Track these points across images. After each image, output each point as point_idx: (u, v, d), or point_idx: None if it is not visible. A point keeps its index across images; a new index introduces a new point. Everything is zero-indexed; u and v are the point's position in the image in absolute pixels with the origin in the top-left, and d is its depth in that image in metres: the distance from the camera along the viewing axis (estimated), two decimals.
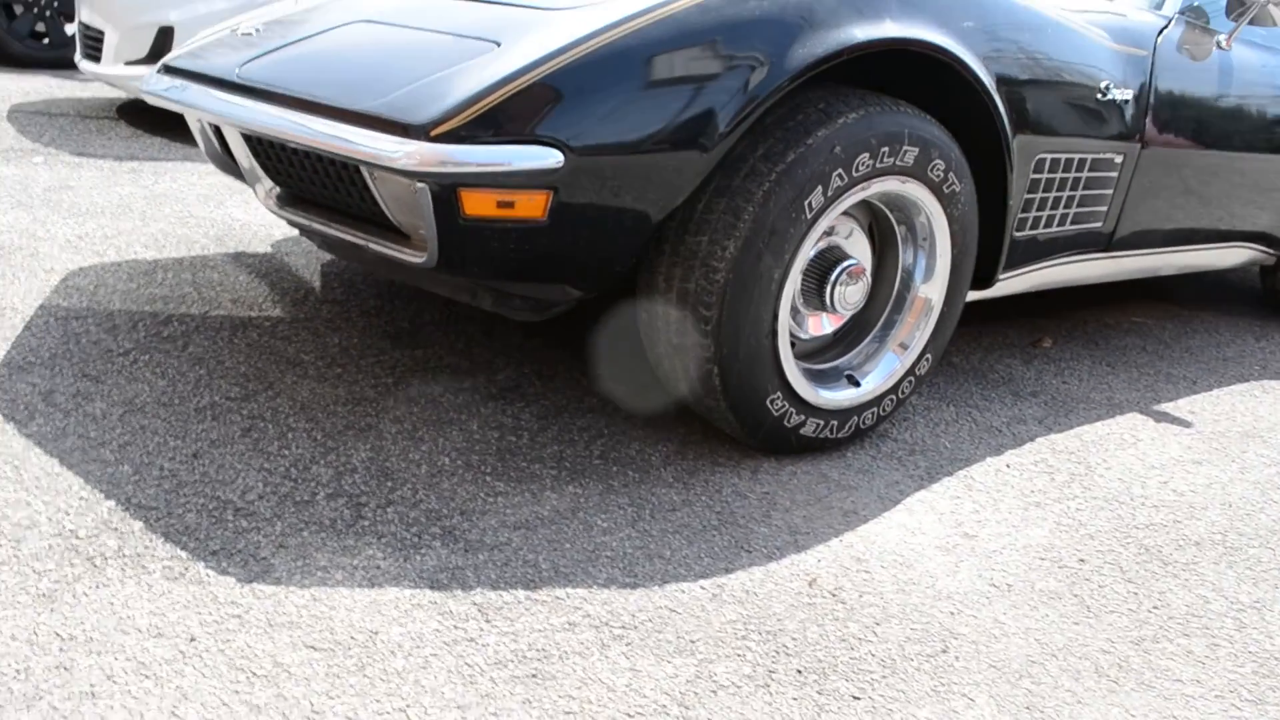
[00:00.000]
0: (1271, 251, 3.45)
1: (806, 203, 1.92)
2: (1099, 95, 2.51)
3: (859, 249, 2.19)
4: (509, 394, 2.27)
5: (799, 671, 1.54)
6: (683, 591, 1.69)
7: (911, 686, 1.54)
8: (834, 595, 1.73)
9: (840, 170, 1.94)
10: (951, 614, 1.72)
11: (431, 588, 1.61)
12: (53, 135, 4.16)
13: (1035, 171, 2.42)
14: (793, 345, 2.15)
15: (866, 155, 1.97)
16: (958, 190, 2.16)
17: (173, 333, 2.35)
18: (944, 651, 1.62)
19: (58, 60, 5.73)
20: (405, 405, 2.15)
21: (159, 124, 4.53)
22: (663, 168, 1.81)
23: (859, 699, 1.50)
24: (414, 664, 1.46)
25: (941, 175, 2.11)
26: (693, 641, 1.58)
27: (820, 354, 2.25)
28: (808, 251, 2.01)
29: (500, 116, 1.70)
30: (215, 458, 1.87)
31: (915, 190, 2.11)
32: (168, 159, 3.94)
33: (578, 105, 1.73)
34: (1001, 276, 2.49)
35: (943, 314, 2.27)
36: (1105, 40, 2.59)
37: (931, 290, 2.24)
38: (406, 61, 1.88)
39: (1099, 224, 2.73)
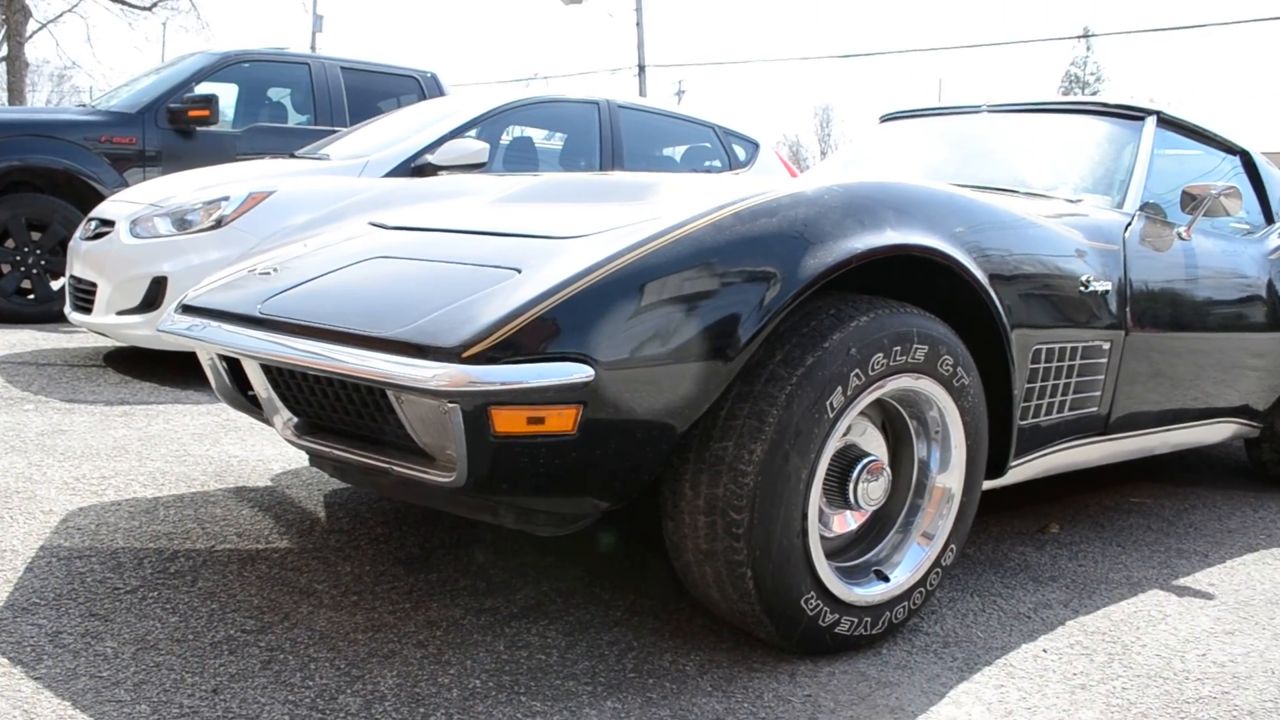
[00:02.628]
0: (1254, 424, 3.53)
1: (828, 403, 1.95)
2: (1081, 288, 2.62)
3: (875, 446, 2.21)
4: (531, 613, 2.22)
5: None
6: None
7: None
8: None
9: (857, 370, 1.99)
10: None
11: None
12: (42, 383, 4.17)
13: (1033, 362, 2.49)
14: (821, 544, 2.13)
15: (880, 355, 2.02)
16: (967, 383, 2.21)
17: (180, 568, 2.30)
18: None
19: (42, 315, 5.81)
20: (427, 629, 2.09)
21: (147, 369, 4.56)
22: (687, 378, 1.84)
23: None
24: None
25: (951, 370, 2.16)
26: None
27: (846, 551, 2.23)
28: (830, 451, 2.02)
29: (529, 337, 1.74)
30: (237, 692, 1.79)
31: (928, 386, 2.15)
32: (159, 401, 3.94)
33: (603, 323, 1.78)
34: (1012, 464, 2.52)
35: (963, 503, 2.28)
36: (1079, 238, 2.72)
37: (950, 480, 2.25)
38: (429, 290, 1.93)
39: (1095, 408, 2.79)
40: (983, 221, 2.38)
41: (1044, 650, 2.23)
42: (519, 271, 1.91)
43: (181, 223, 4.03)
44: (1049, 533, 3.07)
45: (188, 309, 2.19)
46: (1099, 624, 2.39)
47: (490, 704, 1.83)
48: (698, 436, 1.95)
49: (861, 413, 2.18)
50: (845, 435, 2.14)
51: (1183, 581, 2.72)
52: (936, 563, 2.26)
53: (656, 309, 1.82)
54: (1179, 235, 3.09)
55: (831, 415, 1.97)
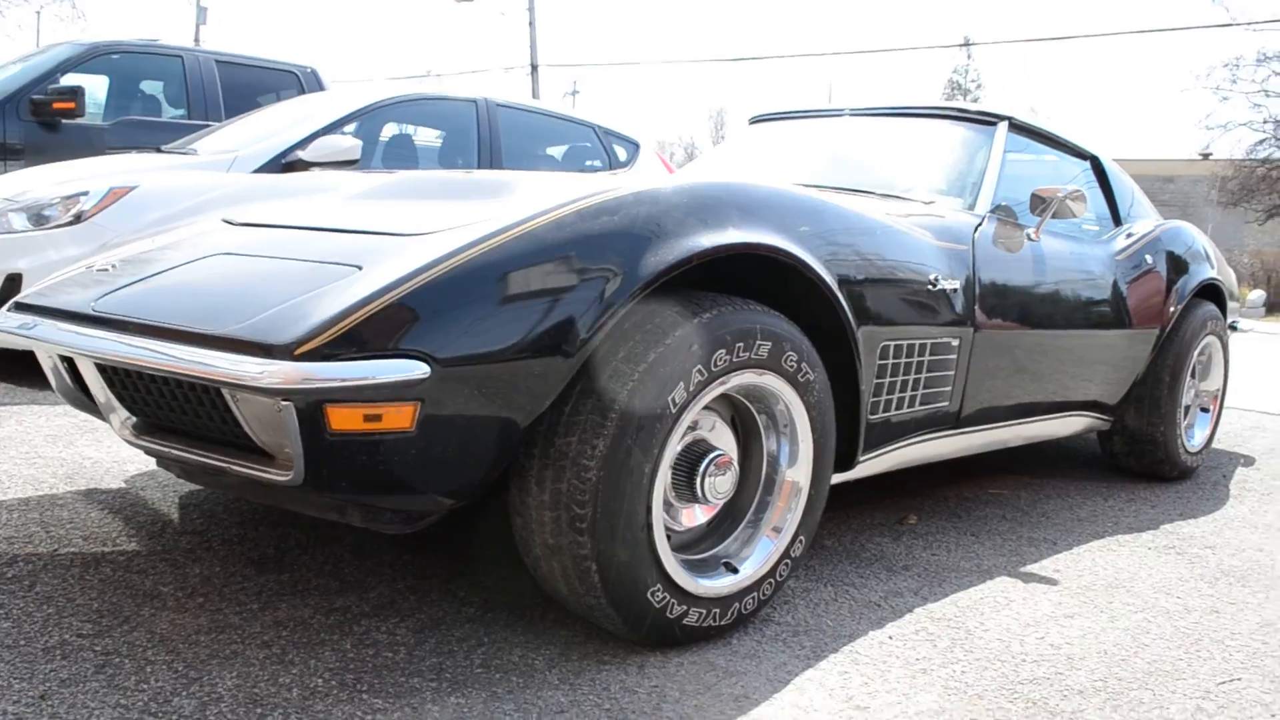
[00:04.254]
0: (1105, 418, 3.67)
1: (670, 398, 1.98)
2: (930, 287, 2.70)
3: (724, 441, 2.25)
4: (383, 610, 2.20)
5: None
6: None
7: None
8: None
9: (700, 366, 2.02)
10: None
11: None
12: None
13: (881, 358, 2.56)
14: (669, 538, 2.16)
15: (723, 351, 2.06)
16: (812, 379, 2.26)
17: (18, 573, 2.23)
18: None
19: None
20: (273, 629, 2.06)
21: (3, 370, 4.39)
22: (527, 374, 1.85)
23: None
24: None
25: (796, 366, 2.21)
26: None
27: (697, 544, 2.26)
28: (675, 445, 2.05)
29: (364, 333, 1.72)
30: (66, 697, 1.75)
31: (772, 382, 2.19)
32: (13, 403, 3.80)
33: (441, 319, 1.78)
34: (861, 459, 2.58)
35: (811, 496, 2.33)
36: (929, 238, 2.80)
37: (798, 474, 2.30)
38: (268, 287, 1.91)
39: (946, 403, 2.87)
40: (830, 221, 2.43)
41: (890, 637, 2.29)
42: (360, 268, 1.90)
43: (38, 218, 3.89)
44: (907, 524, 3.16)
45: (21, 306, 2.13)
46: (946, 610, 2.47)
47: (330, 702, 1.82)
48: (542, 432, 1.96)
49: (709, 408, 2.21)
50: (693, 430, 2.18)
51: (1030, 568, 2.83)
52: (785, 554, 2.30)
53: (495, 306, 1.82)
54: (1028, 236, 3.21)
55: (674, 410, 1.99)
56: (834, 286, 2.32)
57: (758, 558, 2.26)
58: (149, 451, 2.06)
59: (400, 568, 2.44)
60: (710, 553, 2.25)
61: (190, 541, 2.48)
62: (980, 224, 3.06)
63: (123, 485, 2.88)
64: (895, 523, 3.15)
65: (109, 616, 2.05)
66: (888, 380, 2.61)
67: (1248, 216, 30.83)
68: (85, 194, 3.91)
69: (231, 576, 2.30)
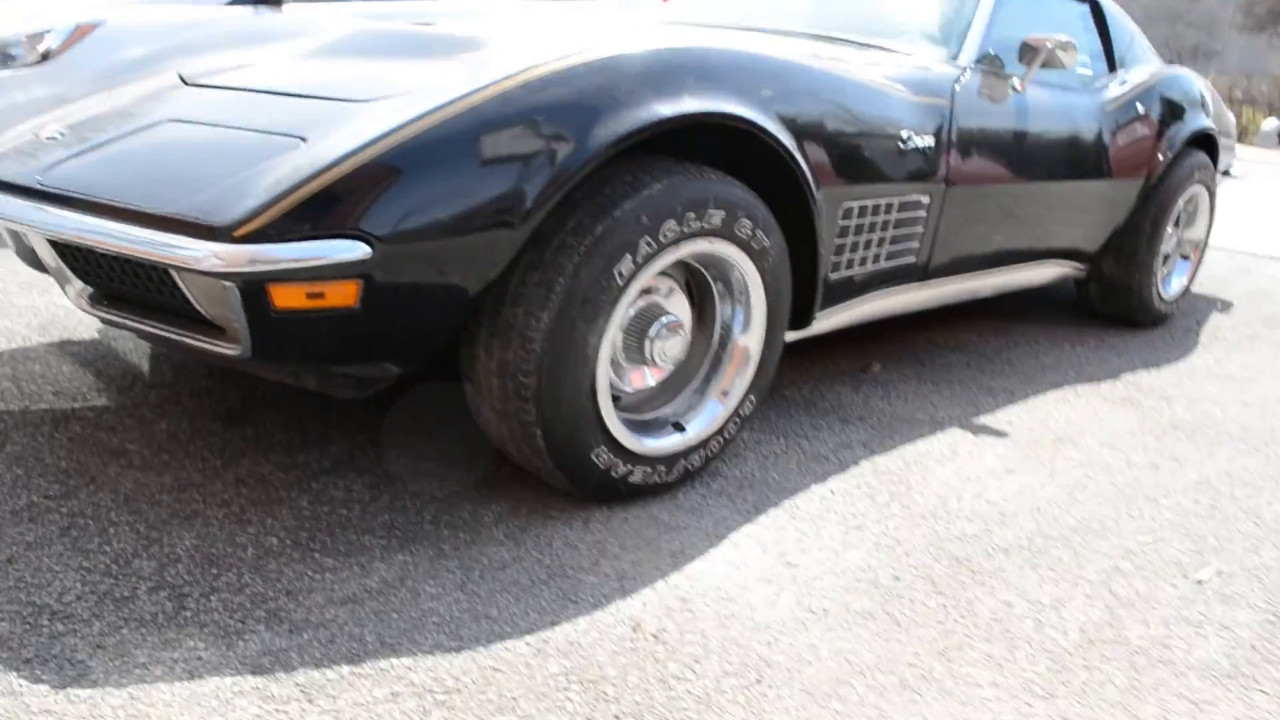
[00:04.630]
0: (1081, 266, 3.67)
1: (616, 271, 2.00)
2: (900, 144, 2.67)
3: (678, 306, 2.28)
4: (341, 466, 2.29)
5: (616, 718, 1.60)
6: (507, 650, 1.74)
7: (724, 719, 1.61)
8: (656, 638, 1.80)
9: (648, 238, 2.03)
10: (768, 644, 1.81)
11: (254, 673, 1.63)
12: None
13: (844, 219, 2.56)
14: (618, 399, 2.23)
15: (673, 221, 2.06)
16: (766, 245, 2.27)
17: None
18: (758, 681, 1.70)
19: None
20: (234, 487, 2.16)
21: None
22: (473, 248, 1.87)
23: None
24: None
25: (749, 233, 2.22)
26: (514, 699, 1.62)
27: (647, 404, 2.33)
28: (623, 314, 2.09)
29: (303, 213, 1.74)
30: (31, 561, 1.85)
31: (725, 249, 2.21)
32: None
33: (383, 196, 1.78)
34: (819, 315, 2.62)
35: (762, 358, 2.38)
36: (904, 93, 2.74)
37: (750, 340, 2.34)
38: (212, 161, 1.91)
39: (913, 258, 2.88)
40: (794, 83, 2.38)
41: (832, 492, 2.38)
42: (303, 140, 1.89)
43: (4, 58, 3.84)
44: (870, 373, 3.21)
45: None
46: (891, 464, 2.55)
47: (283, 561, 1.92)
48: (490, 302, 2.00)
49: (666, 273, 2.24)
50: (648, 294, 2.20)
51: (983, 419, 2.89)
52: (734, 414, 2.37)
53: (439, 181, 1.82)
54: (1013, 88, 3.13)
55: (620, 283, 2.02)
56: (794, 150, 2.30)
57: (705, 418, 2.33)
58: (104, 321, 2.11)
59: (363, 422, 2.52)
60: (659, 412, 2.32)
61: (159, 396, 2.57)
62: (961, 76, 2.99)
63: (95, 336, 2.95)
64: (858, 371, 3.21)
65: (76, 476, 2.15)
66: (850, 240, 2.62)
67: (1273, 43, 29.62)
68: (50, 31, 3.84)
69: (198, 432, 2.39)
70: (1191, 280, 4.03)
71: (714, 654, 1.77)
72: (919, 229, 2.84)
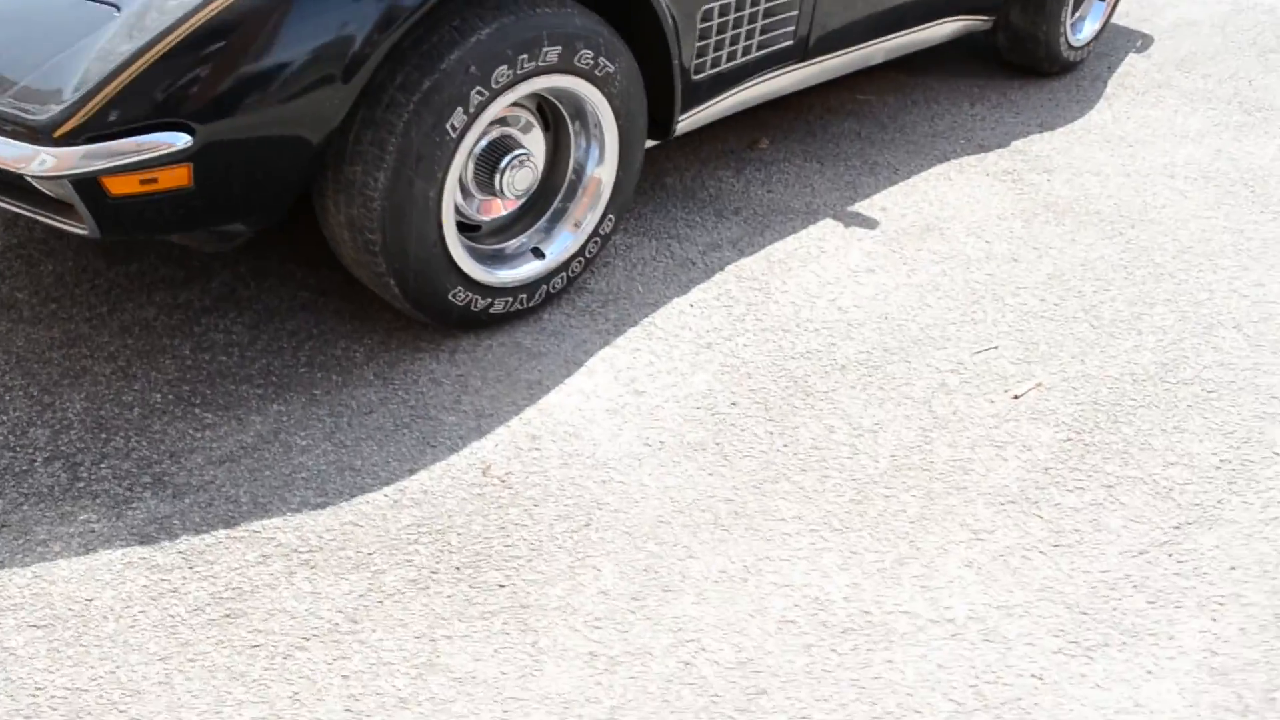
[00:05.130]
0: (985, 19, 3.61)
1: (449, 125, 2.04)
2: None
3: (532, 139, 2.32)
4: (223, 304, 2.42)
5: (457, 569, 1.84)
6: (367, 503, 1.95)
7: (551, 566, 1.85)
8: (503, 481, 2.01)
9: (479, 88, 2.05)
10: (603, 482, 2.02)
11: (141, 543, 1.84)
12: None
13: (705, 20, 2.53)
14: (478, 227, 2.33)
15: (504, 67, 2.07)
16: (611, 72, 2.27)
17: None
18: (587, 525, 1.93)
19: None
20: (120, 337, 2.30)
21: None
22: (301, 112, 1.90)
23: (504, 586, 1.81)
24: (124, 625, 1.71)
25: (592, 62, 2.22)
26: (369, 554, 1.85)
27: (503, 232, 2.42)
28: (463, 163, 2.14)
29: (120, 106, 1.76)
30: None
31: (567, 82, 2.22)
32: None
33: (198, 78, 1.80)
34: (685, 118, 2.65)
35: (618, 181, 2.44)
36: None
37: (603, 171, 2.40)
38: (29, 41, 1.88)
39: (790, 41, 2.86)
40: None
41: (691, 305, 2.53)
42: (118, 10, 1.88)
43: None
44: (757, 149, 3.26)
45: None
46: (756, 267, 2.68)
47: (166, 420, 2.10)
48: (333, 158, 2.05)
49: (520, 104, 2.27)
50: (502, 126, 2.24)
51: (858, 206, 2.99)
52: (594, 235, 2.47)
53: (257, 52, 1.83)
54: None
55: (454, 136, 2.07)
56: None
57: (561, 245, 2.43)
58: None
59: (245, 252, 2.61)
60: (516, 240, 2.42)
61: (44, 231, 2.64)
62: None
63: None
64: (745, 148, 3.26)
65: None
66: (714, 39, 2.60)
67: None
68: None
69: (84, 273, 2.49)
70: (1107, 22, 3.96)
71: (552, 496, 1.98)
72: (794, 11, 2.80)
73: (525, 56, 2.09)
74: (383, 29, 1.90)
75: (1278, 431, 2.24)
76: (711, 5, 2.52)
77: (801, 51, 2.94)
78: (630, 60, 2.32)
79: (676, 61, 2.45)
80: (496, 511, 1.95)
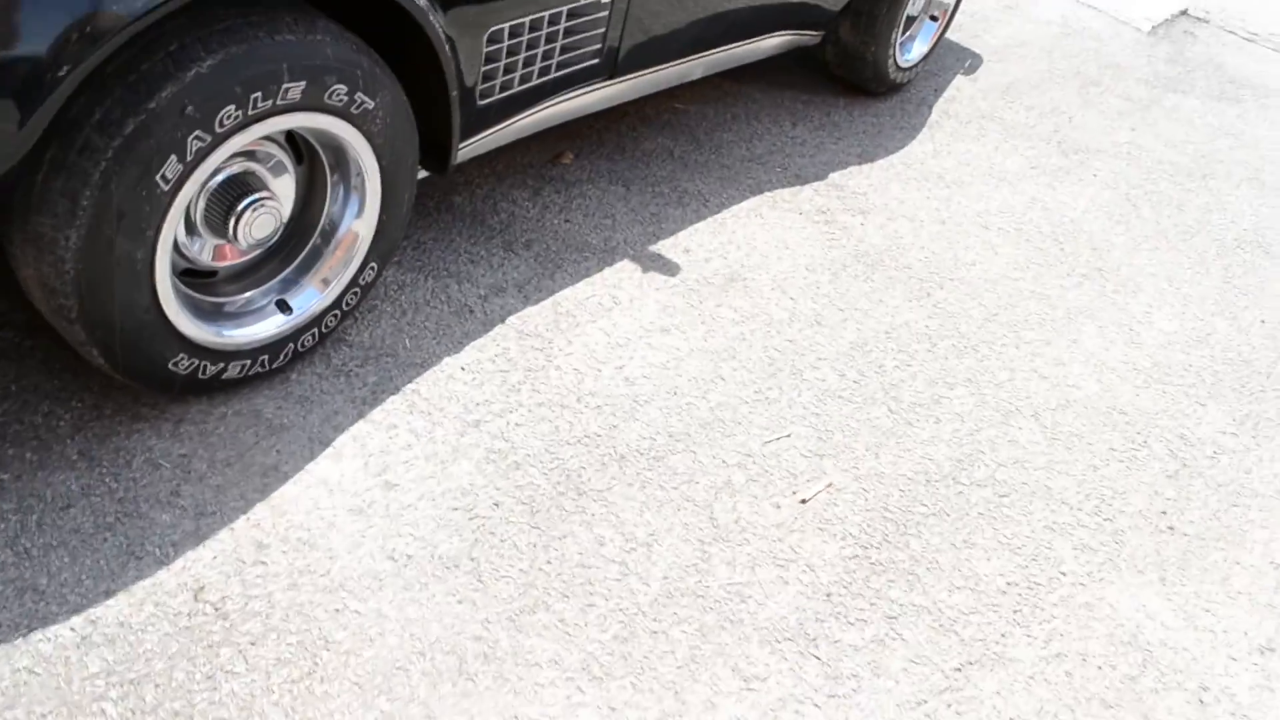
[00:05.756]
0: (813, 34, 3.40)
1: (159, 177, 1.69)
2: None
3: (281, 179, 1.98)
4: None
5: None
6: (48, 641, 1.62)
7: None
8: (218, 609, 1.72)
9: (199, 132, 1.70)
10: (336, 612, 1.75)
11: None
12: None
13: (492, 43, 2.22)
14: (215, 273, 1.99)
15: (232, 107, 1.72)
16: (371, 109, 1.94)
17: None
18: (311, 672, 1.66)
19: None
20: None
21: None
22: None
23: None
24: None
25: (345, 99, 1.89)
26: (43, 716, 1.53)
27: (243, 279, 2.08)
28: (179, 218, 1.79)
29: None
30: None
31: (318, 121, 1.89)
32: None
33: None
34: (466, 145, 2.34)
35: (381, 227, 2.13)
36: None
37: (362, 225, 2.09)
38: None
39: (596, 60, 2.58)
40: None
41: (462, 368, 2.25)
42: None
43: None
44: (560, 163, 2.98)
45: None
46: (541, 319, 2.42)
47: None
48: (19, 201, 1.67)
49: (270, 139, 1.92)
50: (248, 160, 1.90)
51: (661, 245, 2.75)
52: (353, 284, 2.16)
53: None
54: None
55: (167, 189, 1.71)
56: None
57: (309, 300, 2.11)
58: None
59: None
60: (257, 290, 2.08)
61: None
62: None
63: None
64: (547, 163, 2.97)
65: None
66: (504, 62, 2.30)
67: None
68: None
69: None
70: (936, 44, 3.82)
71: (274, 631, 1.70)
72: (600, 29, 2.52)
73: (259, 95, 1.74)
74: (77, 48, 1.53)
75: (1064, 547, 2.16)
76: (501, 26, 2.21)
77: (609, 68, 2.66)
78: (396, 92, 2.00)
79: (455, 93, 2.13)
80: (206, 653, 1.65)
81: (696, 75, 3.06)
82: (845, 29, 3.45)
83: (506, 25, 2.21)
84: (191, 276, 1.98)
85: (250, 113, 1.75)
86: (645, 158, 3.08)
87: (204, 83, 1.67)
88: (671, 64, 2.87)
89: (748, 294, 2.65)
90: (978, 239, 3.08)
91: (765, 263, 2.77)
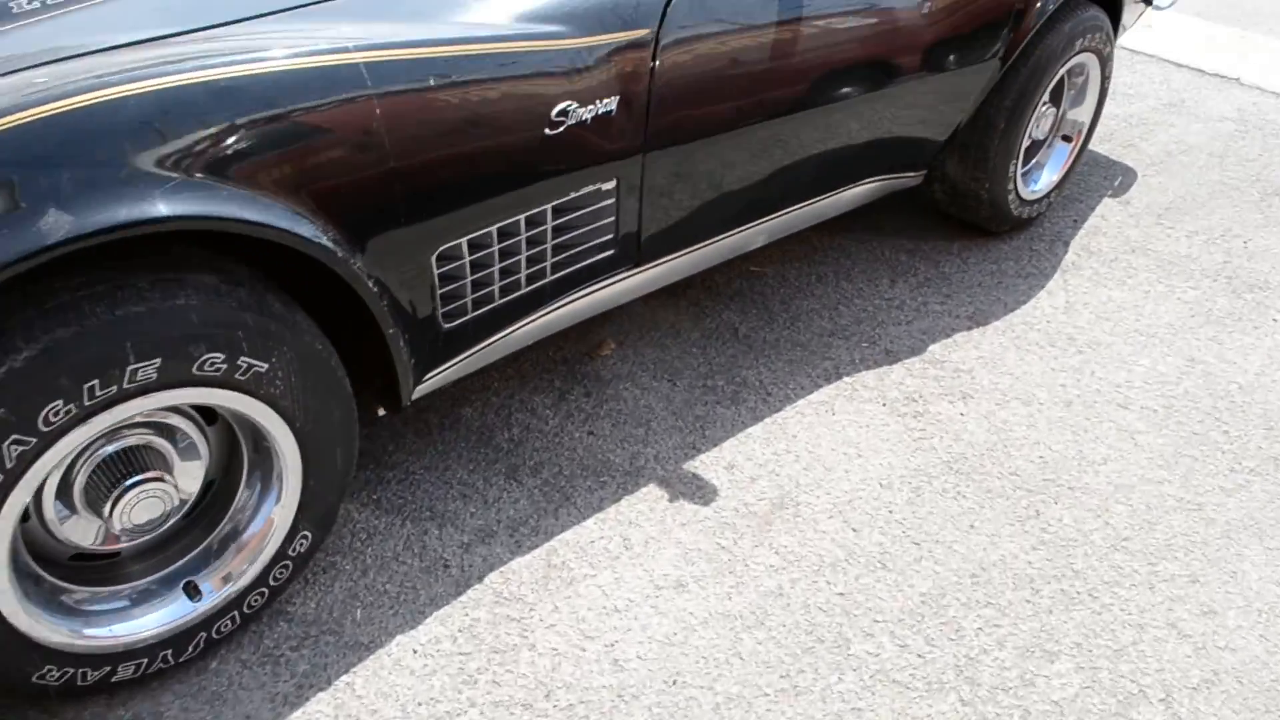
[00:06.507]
0: (912, 175, 2.91)
1: None
2: (549, 131, 1.90)
3: (191, 459, 1.69)
4: None
5: None
6: None
7: None
8: None
9: (17, 436, 1.41)
10: None
11: None
12: None
13: (445, 262, 1.87)
14: (118, 556, 1.71)
15: (60, 403, 1.42)
16: (264, 370, 1.62)
17: None
18: None
19: None
20: None
21: None
22: None
23: None
24: None
25: (224, 366, 1.56)
26: None
27: (145, 557, 1.78)
28: (11, 531, 1.50)
29: None
30: None
31: (193, 395, 1.58)
32: None
33: None
34: (433, 376, 1.99)
35: (305, 503, 1.80)
36: (557, 45, 1.93)
37: (280, 512, 1.77)
38: None
39: (611, 251, 2.19)
40: (276, 109, 1.56)
41: (415, 650, 1.88)
42: None
43: None
44: (599, 356, 2.59)
45: None
46: (527, 577, 2.02)
47: None
48: None
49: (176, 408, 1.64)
50: (152, 435, 1.62)
51: (699, 462, 2.31)
52: (280, 557, 1.82)
53: None
54: None
55: None
56: (317, 231, 1.60)
57: (219, 588, 1.78)
58: None
59: None
60: (156, 575, 1.78)
61: None
62: None
63: None
64: (584, 355, 2.59)
65: None
66: (470, 279, 1.94)
67: None
68: None
69: None
70: (1070, 170, 3.23)
71: None
72: (608, 218, 2.13)
73: (96, 383, 1.44)
74: None
75: None
76: (456, 242, 1.85)
77: (632, 257, 2.26)
78: (309, 335, 1.66)
79: (391, 330, 1.78)
80: None
81: (760, 243, 2.62)
82: (952, 164, 2.94)
83: (462, 240, 1.86)
84: (89, 559, 1.70)
85: (87, 404, 1.44)
86: (703, 340, 2.65)
87: (16, 380, 1.38)
88: (717, 239, 2.45)
89: (797, 526, 2.16)
90: (1113, 425, 2.48)
91: (827, 478, 2.28)
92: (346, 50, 1.62)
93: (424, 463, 2.24)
